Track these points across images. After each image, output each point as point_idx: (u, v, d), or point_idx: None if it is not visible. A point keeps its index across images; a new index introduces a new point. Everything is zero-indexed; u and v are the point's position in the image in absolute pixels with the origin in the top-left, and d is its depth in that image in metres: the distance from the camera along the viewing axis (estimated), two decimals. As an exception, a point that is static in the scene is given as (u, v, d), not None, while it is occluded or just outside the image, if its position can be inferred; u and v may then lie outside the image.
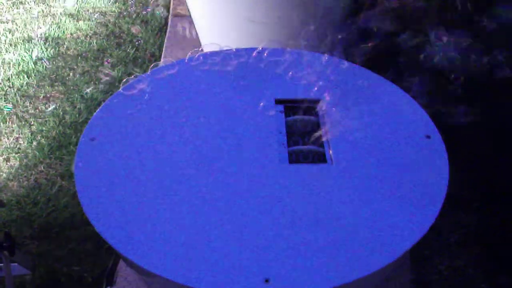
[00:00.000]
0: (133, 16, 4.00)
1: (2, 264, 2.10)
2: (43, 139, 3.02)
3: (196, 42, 2.88)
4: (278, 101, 1.64)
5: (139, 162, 1.46)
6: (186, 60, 1.76)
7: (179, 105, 1.62)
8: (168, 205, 1.36)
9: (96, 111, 1.61)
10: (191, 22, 3.30)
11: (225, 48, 1.82)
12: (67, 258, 2.45)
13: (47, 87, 3.39)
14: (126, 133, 1.53)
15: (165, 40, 3.32)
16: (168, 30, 3.43)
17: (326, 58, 1.80)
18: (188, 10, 3.43)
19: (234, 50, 1.79)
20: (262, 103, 1.61)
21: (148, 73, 1.72)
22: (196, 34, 2.82)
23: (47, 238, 2.56)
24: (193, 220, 1.32)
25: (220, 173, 1.43)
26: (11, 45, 3.84)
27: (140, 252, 1.25)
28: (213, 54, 1.78)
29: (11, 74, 3.54)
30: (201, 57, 1.78)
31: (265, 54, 1.79)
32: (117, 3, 4.24)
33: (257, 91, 1.66)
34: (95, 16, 4.06)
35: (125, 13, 4.07)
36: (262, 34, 2.34)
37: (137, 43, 3.68)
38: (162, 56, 3.15)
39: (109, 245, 1.29)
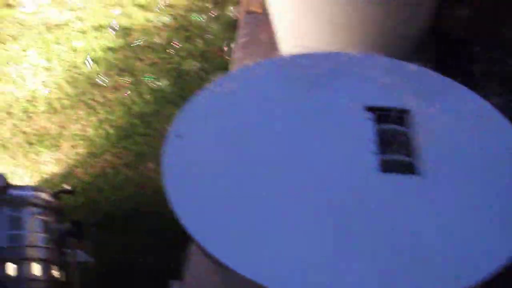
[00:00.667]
0: (203, 10, 4.03)
1: (69, 250, 2.15)
2: (110, 128, 3.06)
3: (269, 42, 2.88)
4: (368, 108, 1.62)
5: (226, 160, 1.46)
6: (273, 61, 1.77)
7: (267, 106, 1.62)
8: (255, 207, 1.36)
9: (182, 106, 1.61)
10: (264, 21, 3.31)
11: (310, 51, 1.81)
12: (130, 249, 2.49)
13: (116, 76, 3.43)
14: (212, 131, 1.55)
15: (237, 37, 3.32)
16: (240, 27, 3.43)
17: (414, 67, 1.78)
18: (262, 8, 3.44)
19: (322, 52, 1.78)
20: (352, 109, 1.60)
21: (235, 71, 1.73)
22: (270, 34, 2.82)
23: (111, 227, 2.60)
24: (279, 223, 1.33)
25: (308, 177, 1.43)
26: (80, 32, 3.90)
27: (226, 250, 1.26)
28: (302, 56, 1.77)
29: (80, 62, 3.60)
30: (289, 59, 1.78)
31: (354, 59, 1.78)
32: (186, -3, 4.27)
33: (347, 97, 1.66)
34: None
35: (195, 7, 4.10)
36: (345, 38, 2.34)
37: (206, 36, 3.70)
38: (234, 53, 3.16)
39: (180, 240, 1.30)
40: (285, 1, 2.45)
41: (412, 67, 1.79)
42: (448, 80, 1.79)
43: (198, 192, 1.38)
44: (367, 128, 1.58)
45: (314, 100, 1.65)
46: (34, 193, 2.16)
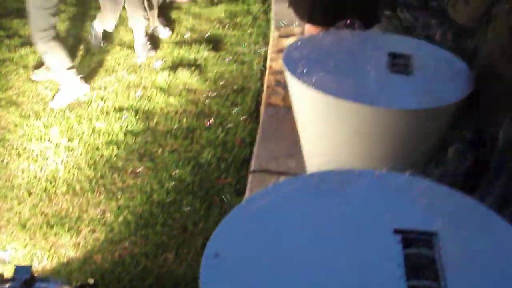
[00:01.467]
0: (224, 98, 4.15)
1: None
2: (129, 215, 3.13)
3: (291, 135, 2.96)
4: (396, 231, 1.68)
5: (262, 282, 1.52)
6: (304, 178, 1.85)
7: (298, 224, 1.69)
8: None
9: (219, 224, 1.68)
10: (284, 114, 3.42)
11: (339, 166, 1.89)
12: None
13: (136, 161, 3.51)
14: (249, 250, 1.60)
15: (259, 130, 3.43)
16: (261, 120, 3.54)
17: (443, 188, 1.86)
18: (283, 101, 3.56)
19: (351, 170, 1.87)
20: (380, 232, 1.67)
21: (269, 187, 1.80)
22: (291, 129, 2.90)
23: (129, 319, 2.63)
24: None
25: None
26: (102, 113, 4.01)
27: None
28: (332, 173, 1.85)
29: (101, 143, 3.69)
30: (320, 176, 1.86)
31: (382, 177, 1.86)
32: (207, 82, 4.40)
33: (375, 218, 1.72)
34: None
35: (215, 93, 4.22)
36: (371, 147, 2.43)
37: (226, 126, 3.80)
38: (256, 147, 3.26)
39: None
40: (311, 113, 2.54)
41: (440, 188, 1.86)
42: (475, 203, 1.85)
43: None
44: (395, 251, 1.64)
45: (344, 220, 1.72)
46: (58, 287, 2.20)
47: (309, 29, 3.25)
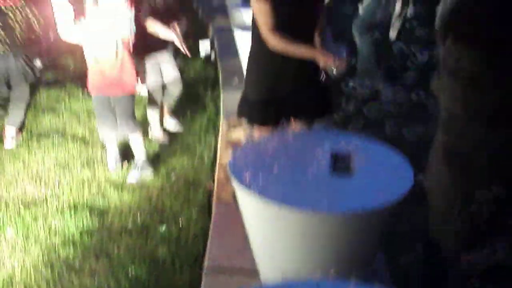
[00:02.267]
0: (176, 193, 4.31)
1: None
2: (89, 317, 3.22)
3: (242, 232, 3.10)
4: None
5: None
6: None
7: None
8: None
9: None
10: (235, 210, 3.58)
11: (289, 276, 2.07)
12: None
13: (92, 260, 3.62)
14: None
15: (211, 227, 3.58)
16: (213, 217, 3.70)
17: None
18: (233, 197, 3.72)
19: (299, 282, 2.04)
20: None
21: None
22: (241, 226, 3.05)
23: None
24: None
25: None
26: (57, 211, 4.11)
27: None
28: (282, 285, 2.02)
29: (57, 243, 3.79)
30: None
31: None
32: (160, 176, 4.56)
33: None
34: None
35: (168, 188, 4.38)
36: (316, 251, 2.61)
37: (180, 222, 3.94)
38: (208, 244, 3.40)
39: None
40: (258, 218, 2.72)
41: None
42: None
43: None
44: None
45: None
46: None
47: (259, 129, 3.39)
